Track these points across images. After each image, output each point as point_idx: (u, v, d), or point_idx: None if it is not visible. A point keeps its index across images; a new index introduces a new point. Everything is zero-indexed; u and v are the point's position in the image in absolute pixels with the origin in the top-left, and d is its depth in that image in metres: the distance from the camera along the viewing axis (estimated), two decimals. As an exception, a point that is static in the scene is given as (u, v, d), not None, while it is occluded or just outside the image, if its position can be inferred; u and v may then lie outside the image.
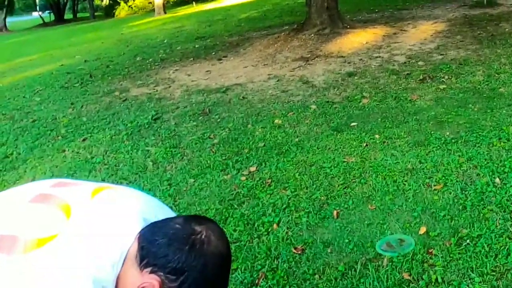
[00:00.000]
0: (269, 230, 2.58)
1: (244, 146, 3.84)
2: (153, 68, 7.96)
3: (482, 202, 2.54)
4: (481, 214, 2.43)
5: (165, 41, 11.33)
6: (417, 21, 8.72)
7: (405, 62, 5.85)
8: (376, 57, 6.32)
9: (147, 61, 8.74)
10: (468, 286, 1.96)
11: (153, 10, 24.35)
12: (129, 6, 30.61)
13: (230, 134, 4.18)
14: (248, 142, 3.92)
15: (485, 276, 2.00)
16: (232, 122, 4.49)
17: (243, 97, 5.34)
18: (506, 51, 5.68)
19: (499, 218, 2.37)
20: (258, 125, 4.31)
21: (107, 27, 20.60)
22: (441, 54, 5.99)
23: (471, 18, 8.29)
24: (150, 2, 28.53)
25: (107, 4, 34.70)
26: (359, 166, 3.18)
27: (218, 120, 4.65)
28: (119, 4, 31.34)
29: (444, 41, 6.81)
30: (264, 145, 3.79)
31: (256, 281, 2.19)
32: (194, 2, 27.27)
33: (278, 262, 2.29)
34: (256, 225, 2.64)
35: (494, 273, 2.01)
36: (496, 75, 4.78)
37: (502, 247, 2.15)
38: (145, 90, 6.41)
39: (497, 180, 2.73)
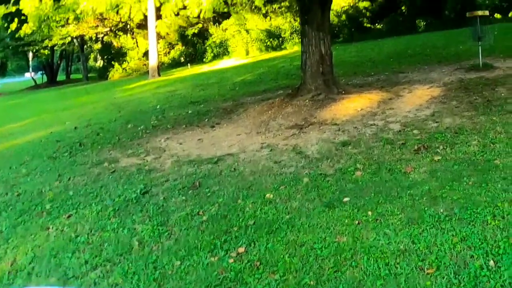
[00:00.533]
0: (256, 320, 2.59)
1: (233, 224, 3.89)
2: (144, 136, 8.15)
3: (476, 288, 2.57)
4: (475, 302, 2.46)
5: (158, 107, 11.64)
6: (413, 85, 9.05)
7: (400, 131, 6.03)
8: (371, 124, 6.52)
9: (139, 128, 8.96)
10: None
11: (148, 72, 25.14)
12: (123, 68, 31.61)
13: (220, 210, 4.25)
14: (238, 219, 3.98)
15: None
16: (222, 197, 4.57)
17: (234, 168, 5.46)
18: (501, 118, 5.87)
19: (493, 306, 2.40)
20: (248, 200, 4.38)
21: (99, 90, 21.16)
22: (436, 122, 6.18)
23: (467, 82, 8.61)
24: (145, 64, 29.50)
25: (101, 66, 35.82)
26: (351, 246, 3.22)
27: (208, 194, 4.73)
28: (113, 66, 32.36)
29: (440, 107, 7.04)
30: (254, 223, 3.85)
31: None
32: (189, 64, 28.22)
33: None
34: (242, 315, 2.65)
35: None
36: (492, 145, 4.92)
37: None
38: (135, 160, 6.54)
39: (491, 262, 2.78)
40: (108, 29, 37.42)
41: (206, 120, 8.79)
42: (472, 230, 3.19)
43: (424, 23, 23.53)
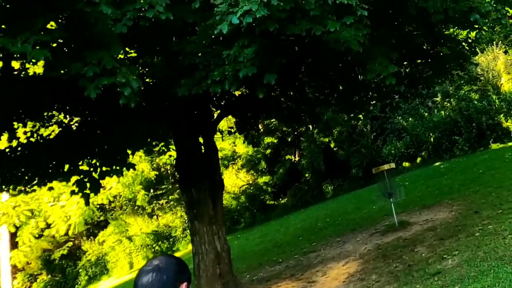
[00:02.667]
0: None
1: None
2: None
3: None
4: None
5: None
6: (327, 265, 9.28)
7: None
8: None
9: None
10: None
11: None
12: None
13: None
14: None
15: None
16: None
17: None
18: (425, 284, 6.12)
19: None
20: None
21: None
22: (355, 308, 6.25)
23: (384, 248, 9.04)
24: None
25: None
26: None
27: None
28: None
29: (359, 286, 7.19)
30: None
31: None
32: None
33: None
34: None
35: None
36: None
37: None
38: None
39: None
40: None
41: None
42: None
43: (332, 187, 25.18)
